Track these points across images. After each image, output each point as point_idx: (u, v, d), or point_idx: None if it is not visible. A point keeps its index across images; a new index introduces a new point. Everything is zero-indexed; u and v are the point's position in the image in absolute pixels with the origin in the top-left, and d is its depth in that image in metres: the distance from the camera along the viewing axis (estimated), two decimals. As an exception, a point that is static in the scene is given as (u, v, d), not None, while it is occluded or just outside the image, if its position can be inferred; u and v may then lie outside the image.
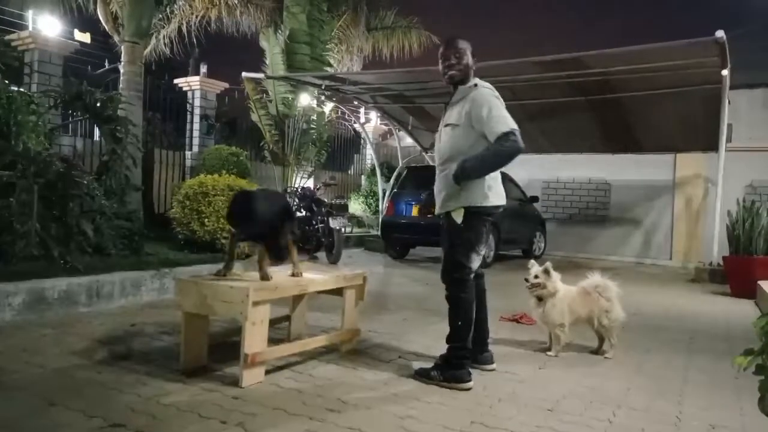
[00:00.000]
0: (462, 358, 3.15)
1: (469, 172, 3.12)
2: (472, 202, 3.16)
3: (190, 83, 10.23)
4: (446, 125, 3.31)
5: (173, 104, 10.46)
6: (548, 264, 3.81)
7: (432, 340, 3.99)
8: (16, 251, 4.38)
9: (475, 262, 3.22)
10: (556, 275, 3.82)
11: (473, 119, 3.15)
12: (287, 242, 3.34)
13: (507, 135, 3.04)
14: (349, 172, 15.20)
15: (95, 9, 8.24)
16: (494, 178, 3.23)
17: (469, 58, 3.29)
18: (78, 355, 3.36)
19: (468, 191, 3.16)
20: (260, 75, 10.11)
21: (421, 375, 3.17)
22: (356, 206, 13.22)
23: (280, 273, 3.39)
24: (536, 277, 3.78)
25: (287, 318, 3.90)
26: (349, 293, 3.70)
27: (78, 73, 8.20)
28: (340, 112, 12.57)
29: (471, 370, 3.16)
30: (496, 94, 3.27)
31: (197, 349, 3.19)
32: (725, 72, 7.68)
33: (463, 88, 3.29)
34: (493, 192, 3.21)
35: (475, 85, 3.26)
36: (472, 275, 3.24)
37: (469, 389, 3.05)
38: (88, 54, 9.55)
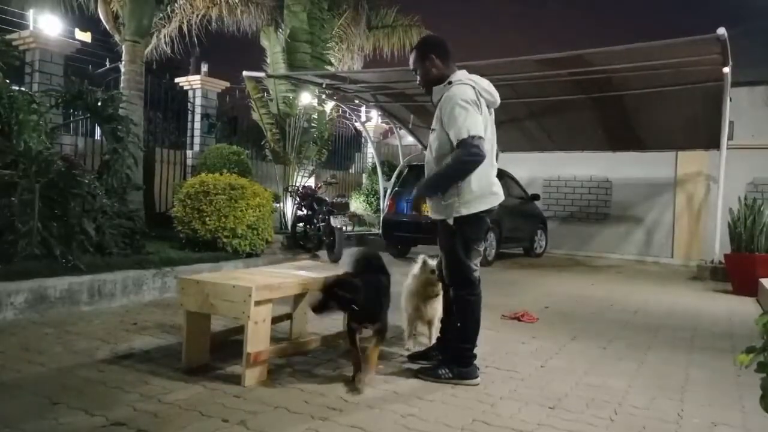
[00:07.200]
0: (471, 357, 3.16)
1: (428, 192, 3.12)
2: (456, 215, 3.08)
3: (191, 82, 10.23)
4: (432, 129, 3.22)
5: (174, 103, 10.46)
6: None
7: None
8: (18, 250, 4.39)
9: (475, 258, 3.20)
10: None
11: (444, 122, 3.06)
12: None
13: (464, 142, 2.93)
14: (350, 170, 15.20)
15: (96, 8, 8.24)
16: (480, 180, 3.06)
17: (430, 62, 3.16)
18: (80, 353, 3.36)
19: (450, 207, 3.07)
20: (261, 74, 10.11)
21: (427, 374, 3.17)
22: (357, 205, 13.22)
23: (279, 270, 3.39)
24: (432, 272, 3.53)
25: (289, 316, 3.90)
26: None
27: (79, 72, 8.22)
28: (340, 111, 12.56)
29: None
30: (472, 91, 3.04)
31: (199, 347, 3.20)
32: (726, 69, 7.65)
33: (437, 88, 3.19)
34: (480, 197, 3.08)
35: (449, 82, 3.11)
36: (477, 273, 3.19)
37: (476, 384, 3.08)
38: (89, 53, 9.57)
